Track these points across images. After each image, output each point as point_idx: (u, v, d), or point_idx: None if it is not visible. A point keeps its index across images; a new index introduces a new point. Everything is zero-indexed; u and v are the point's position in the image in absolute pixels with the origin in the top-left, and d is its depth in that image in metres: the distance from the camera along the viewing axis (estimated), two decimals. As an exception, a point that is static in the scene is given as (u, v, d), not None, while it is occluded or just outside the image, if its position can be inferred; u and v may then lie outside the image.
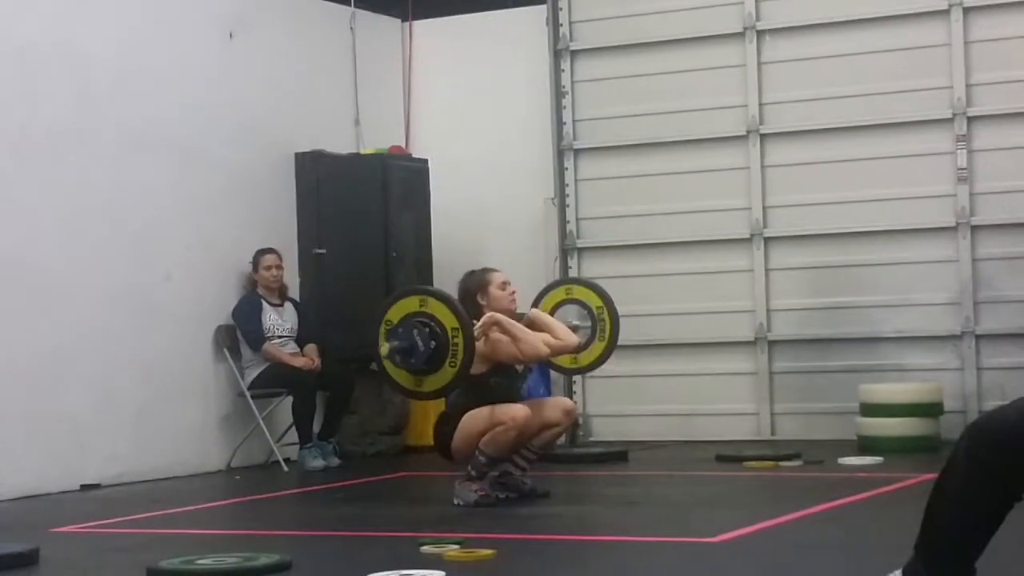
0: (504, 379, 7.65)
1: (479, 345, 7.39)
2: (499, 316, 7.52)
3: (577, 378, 11.23)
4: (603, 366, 9.05)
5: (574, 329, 8.19)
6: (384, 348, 7.29)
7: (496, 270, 7.82)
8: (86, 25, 9.23)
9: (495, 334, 7.51)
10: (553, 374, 11.12)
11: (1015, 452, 3.71)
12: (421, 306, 7.27)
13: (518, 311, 7.77)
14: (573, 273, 11.24)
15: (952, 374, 10.21)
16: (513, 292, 7.73)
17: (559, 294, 8.71)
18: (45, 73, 8.93)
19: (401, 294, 7.55)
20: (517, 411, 7.44)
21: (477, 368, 7.44)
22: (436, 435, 7.74)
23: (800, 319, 10.71)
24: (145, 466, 9.37)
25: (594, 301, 8.67)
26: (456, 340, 7.17)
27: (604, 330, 8.62)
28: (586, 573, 5.70)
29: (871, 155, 10.46)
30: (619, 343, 11.03)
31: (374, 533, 6.89)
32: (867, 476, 8.37)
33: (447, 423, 7.65)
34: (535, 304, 8.42)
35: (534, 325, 7.73)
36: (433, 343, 7.19)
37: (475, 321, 7.35)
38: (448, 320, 7.19)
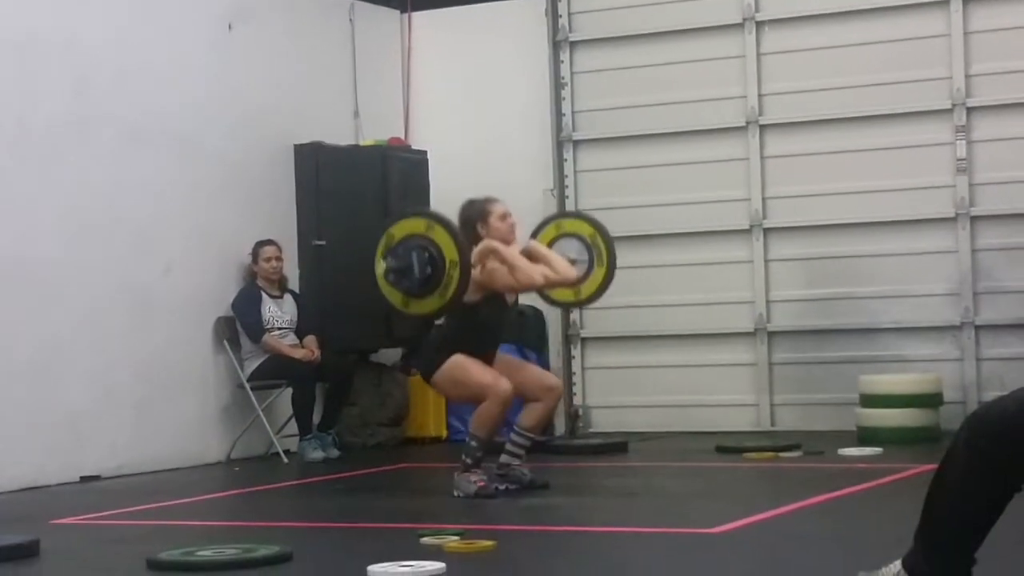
0: (494, 310, 7.65)
1: (475, 272, 7.42)
2: (497, 244, 7.53)
3: (577, 370, 11.24)
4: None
5: (572, 263, 8.18)
6: (380, 266, 7.29)
7: (497, 200, 7.78)
8: (84, 18, 9.22)
9: (492, 263, 7.52)
10: (552, 366, 11.15)
11: (1014, 443, 3.72)
12: (427, 230, 7.30)
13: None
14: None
15: (952, 365, 10.21)
16: (512, 224, 7.72)
17: (550, 231, 8.41)
18: (43, 67, 8.92)
19: (410, 214, 7.58)
20: (501, 387, 7.40)
21: (471, 296, 7.50)
22: (424, 358, 7.70)
23: (800, 310, 10.72)
24: (145, 458, 9.38)
25: (586, 230, 8.58)
26: (452, 273, 7.22)
27: (601, 256, 8.53)
28: (586, 564, 5.70)
29: (870, 146, 10.46)
30: (618, 334, 11.12)
31: (374, 524, 6.90)
32: (867, 467, 8.37)
33: (437, 350, 7.61)
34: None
35: (532, 257, 7.76)
36: (429, 269, 7.22)
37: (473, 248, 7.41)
38: (449, 251, 7.23)
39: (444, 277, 7.26)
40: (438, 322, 7.93)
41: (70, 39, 9.09)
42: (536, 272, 7.63)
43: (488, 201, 7.76)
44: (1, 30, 8.69)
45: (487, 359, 7.64)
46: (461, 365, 7.51)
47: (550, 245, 8.28)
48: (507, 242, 7.63)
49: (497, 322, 7.72)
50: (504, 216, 7.71)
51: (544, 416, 7.82)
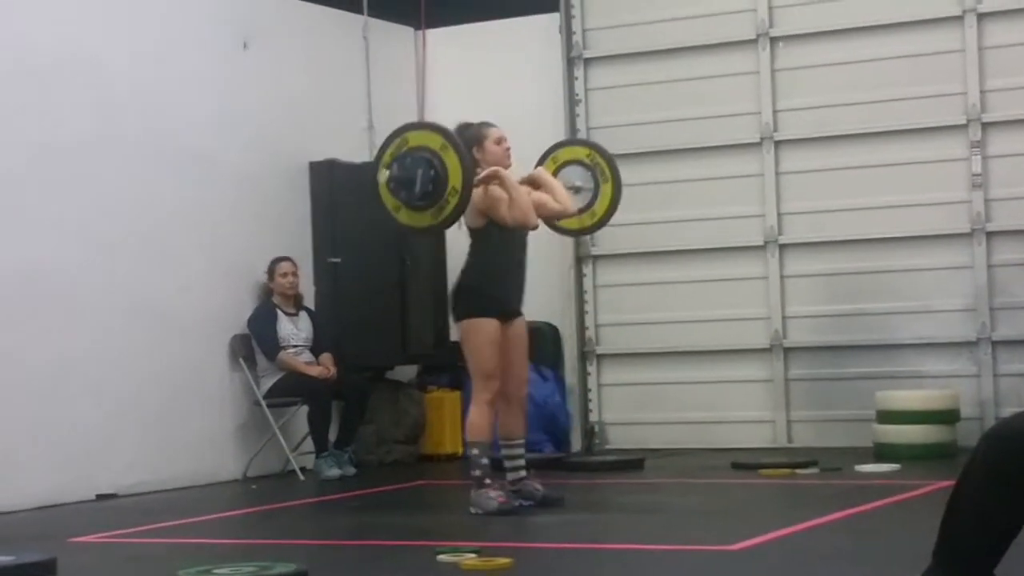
0: (504, 229, 7.63)
1: (478, 197, 7.43)
2: (504, 173, 7.53)
3: (593, 387, 11.22)
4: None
5: (576, 191, 8.19)
6: (383, 175, 7.31)
7: (493, 124, 7.77)
8: (103, 38, 9.25)
9: (495, 190, 7.52)
10: (568, 383, 11.15)
11: (1033, 459, 3.70)
12: (440, 149, 7.24)
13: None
14: (588, 283, 11.25)
15: (968, 380, 10.18)
16: (508, 148, 7.70)
17: (548, 167, 8.46)
18: (63, 86, 8.96)
19: (431, 127, 7.53)
20: (487, 391, 7.51)
21: (478, 221, 7.57)
22: (456, 297, 7.73)
23: (815, 326, 10.70)
24: (161, 475, 9.39)
25: (581, 152, 8.57)
26: (450, 199, 7.22)
27: (604, 172, 8.51)
28: (603, 581, 5.69)
29: (885, 162, 10.44)
30: (634, 351, 11.10)
31: (390, 542, 6.89)
32: (884, 483, 8.35)
33: (466, 291, 7.64)
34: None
35: (535, 184, 7.78)
36: (430, 187, 7.21)
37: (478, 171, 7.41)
38: (454, 177, 7.21)
39: (441, 200, 7.24)
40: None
41: (89, 59, 9.12)
42: (532, 211, 7.60)
43: (484, 125, 7.75)
44: (22, 51, 8.73)
45: (511, 290, 7.66)
46: (481, 333, 7.52)
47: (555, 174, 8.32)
48: (503, 167, 7.62)
49: (510, 241, 7.68)
50: (500, 140, 7.69)
51: (519, 419, 7.81)
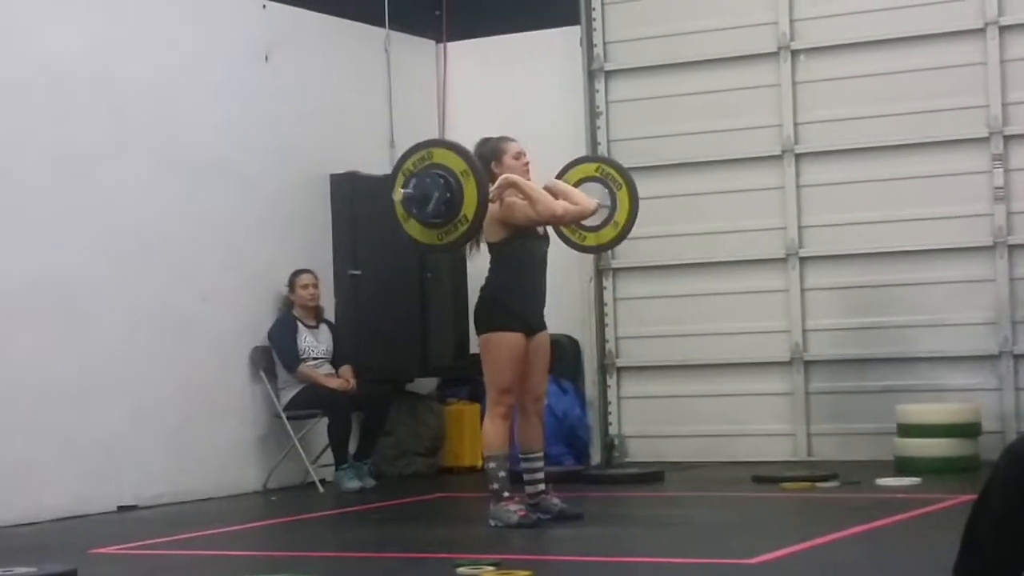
0: (527, 241, 7.64)
1: (495, 209, 7.42)
2: (515, 177, 7.52)
3: (613, 400, 11.21)
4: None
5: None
6: (398, 193, 7.31)
7: (512, 139, 7.77)
8: (122, 48, 9.29)
9: (510, 197, 7.51)
10: (588, 396, 11.14)
11: (1054, 474, 3.69)
12: (461, 175, 7.24)
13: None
14: (609, 295, 11.24)
15: (990, 394, 10.14)
16: (527, 163, 7.70)
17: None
18: (82, 96, 9.00)
19: (406, 155, 7.52)
20: (502, 405, 7.52)
21: (498, 235, 7.55)
22: (479, 310, 7.70)
23: (836, 339, 10.67)
24: (182, 487, 9.40)
25: (589, 170, 8.52)
26: (458, 226, 7.25)
27: (616, 180, 8.48)
28: (622, 595, 5.68)
29: (907, 175, 10.42)
30: (654, 363, 11.09)
31: (410, 555, 6.89)
32: (905, 497, 8.32)
33: (488, 304, 7.63)
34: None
35: (552, 194, 7.76)
36: (443, 208, 7.22)
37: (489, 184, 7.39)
38: (468, 207, 7.22)
39: (450, 224, 7.26)
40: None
41: (108, 68, 9.16)
42: (555, 203, 7.63)
43: (503, 139, 7.75)
44: (39, 59, 8.76)
45: (534, 303, 7.65)
46: (502, 346, 7.51)
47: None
48: None
49: (532, 255, 7.68)
50: (519, 155, 7.69)
51: (537, 432, 7.81)
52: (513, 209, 7.53)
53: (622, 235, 8.61)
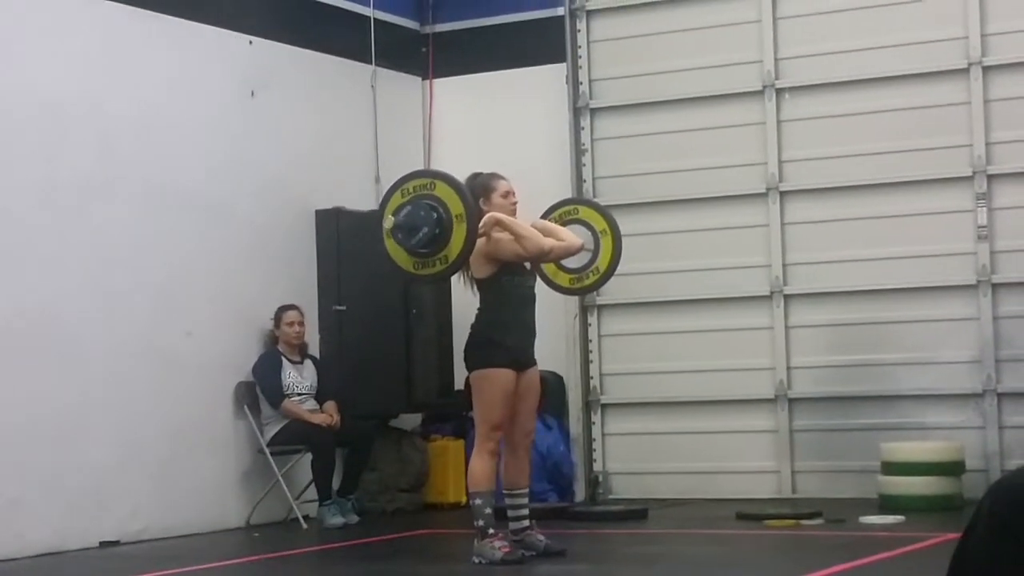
0: (514, 277, 7.66)
1: (482, 245, 7.43)
2: (500, 215, 7.55)
3: (597, 436, 11.20)
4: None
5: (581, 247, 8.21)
6: (388, 221, 7.29)
7: (503, 177, 7.80)
8: (110, 83, 9.30)
9: (497, 233, 7.52)
10: (572, 432, 11.13)
11: (1038, 512, 3.69)
12: (429, 189, 7.28)
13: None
14: (593, 332, 11.25)
15: (974, 432, 10.16)
16: (515, 203, 7.73)
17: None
18: (70, 130, 9.00)
19: (409, 177, 7.51)
20: (490, 443, 7.52)
21: (485, 271, 7.57)
22: (469, 347, 7.70)
23: (820, 377, 10.68)
24: (165, 523, 9.37)
25: (575, 213, 8.56)
26: (437, 264, 7.26)
27: (599, 221, 8.49)
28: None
29: (891, 213, 10.46)
30: (639, 400, 11.09)
31: (393, 591, 6.87)
32: (889, 535, 8.32)
33: (478, 343, 7.64)
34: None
35: (539, 231, 7.76)
36: (437, 227, 7.20)
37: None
38: (454, 247, 7.21)
39: (428, 260, 7.27)
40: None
41: (96, 104, 9.17)
42: (541, 238, 7.66)
43: (493, 177, 7.78)
44: (28, 97, 8.77)
45: (524, 338, 7.66)
46: (493, 384, 7.51)
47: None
48: None
49: (519, 289, 7.70)
50: (507, 194, 7.72)
51: (523, 469, 7.82)
52: (499, 245, 7.54)
53: (602, 281, 8.64)
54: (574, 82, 11.39)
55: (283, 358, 10.08)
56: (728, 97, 10.97)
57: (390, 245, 7.38)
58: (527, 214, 7.96)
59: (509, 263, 7.62)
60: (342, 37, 11.22)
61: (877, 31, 10.56)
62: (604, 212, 8.64)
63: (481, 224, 7.43)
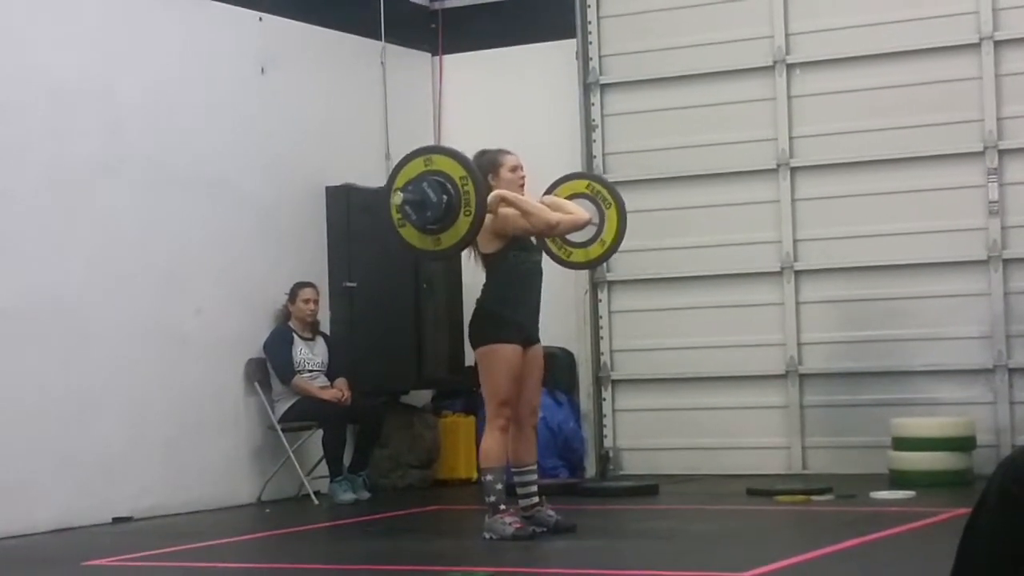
0: (521, 252, 7.66)
1: (489, 221, 7.40)
2: (506, 192, 7.53)
3: (608, 413, 11.21)
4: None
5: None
6: (397, 196, 7.25)
7: (509, 152, 7.77)
8: (119, 62, 9.30)
9: (504, 209, 7.51)
10: (582, 408, 11.14)
11: (1049, 488, 3.68)
12: (427, 165, 7.26)
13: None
14: (604, 308, 11.24)
15: (985, 408, 10.15)
16: (523, 177, 7.71)
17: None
18: (78, 110, 9.00)
19: (405, 160, 7.46)
20: (501, 417, 7.49)
21: (492, 246, 7.54)
22: (474, 325, 7.70)
23: (831, 352, 10.68)
24: (176, 499, 9.40)
25: (579, 187, 8.48)
26: (467, 188, 7.16)
27: (605, 199, 8.42)
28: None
29: (902, 188, 10.43)
30: (649, 376, 11.09)
31: (405, 567, 6.89)
32: (899, 511, 8.33)
33: (484, 318, 7.62)
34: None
35: (546, 207, 7.76)
36: (445, 196, 7.17)
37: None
38: (456, 171, 7.19)
39: (462, 196, 7.18)
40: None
41: (104, 83, 9.17)
42: (549, 212, 7.64)
43: (500, 152, 7.75)
44: (35, 75, 8.77)
45: (530, 313, 7.64)
46: (500, 359, 7.50)
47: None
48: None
49: (526, 264, 7.69)
50: (515, 168, 7.70)
51: (530, 446, 7.80)
52: (506, 220, 7.53)
53: (608, 253, 8.57)
54: (584, 58, 11.37)
55: (294, 335, 10.09)
56: (738, 73, 10.95)
57: (406, 231, 7.35)
58: (536, 190, 7.95)
59: (517, 238, 7.62)
60: (352, 13, 11.21)
61: (888, 6, 10.52)
62: (608, 185, 8.60)
63: (488, 200, 7.41)
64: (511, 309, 7.58)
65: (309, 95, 10.75)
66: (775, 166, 10.80)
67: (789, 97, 10.79)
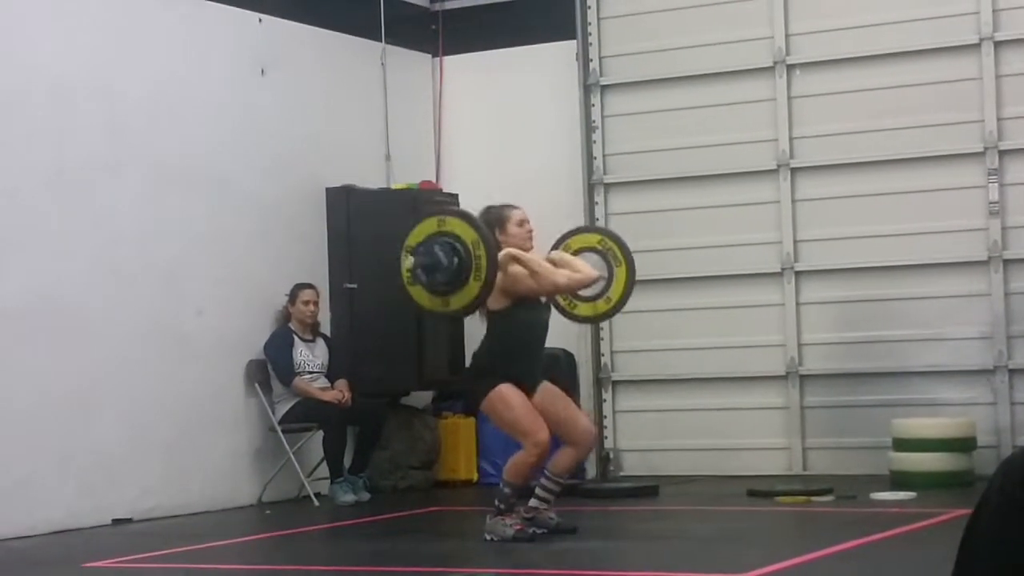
0: (528, 311, 7.64)
1: (500, 279, 7.40)
2: (516, 251, 7.53)
3: (608, 414, 11.21)
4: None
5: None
6: (408, 261, 7.28)
7: (516, 207, 7.78)
8: (119, 62, 9.30)
9: (514, 268, 7.51)
10: (583, 406, 11.12)
11: (1050, 489, 3.68)
12: (440, 227, 7.30)
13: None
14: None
15: (985, 409, 10.15)
16: (530, 231, 7.71)
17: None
18: (78, 110, 9.00)
19: (420, 218, 7.51)
20: (539, 438, 7.37)
21: (500, 303, 7.52)
22: (469, 385, 7.67)
23: (831, 353, 10.67)
24: (177, 500, 9.40)
25: (592, 240, 8.49)
26: (479, 253, 7.19)
27: (616, 256, 8.41)
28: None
29: (902, 189, 10.43)
30: (649, 378, 11.08)
31: (405, 568, 6.89)
32: (900, 511, 8.33)
33: (482, 375, 7.57)
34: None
35: (554, 264, 7.76)
36: (456, 259, 7.19)
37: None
38: (468, 235, 7.22)
39: (472, 259, 7.22)
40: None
41: (104, 83, 9.17)
42: (556, 274, 7.64)
43: (506, 207, 7.76)
44: (37, 74, 8.77)
45: (532, 368, 7.60)
46: (505, 400, 7.45)
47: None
48: (525, 249, 7.63)
49: (534, 323, 7.69)
50: (522, 222, 7.70)
51: (577, 461, 7.82)
52: (516, 280, 7.52)
53: (614, 311, 8.54)
54: (584, 59, 11.36)
55: (295, 336, 10.09)
56: (739, 73, 10.94)
57: (408, 280, 7.37)
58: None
59: (524, 296, 7.61)
60: (352, 15, 11.21)
61: (888, 6, 10.52)
62: (621, 243, 8.48)
63: (499, 260, 7.41)
64: (512, 364, 7.52)
65: (309, 96, 10.75)
66: (775, 167, 10.80)
67: (789, 98, 10.79)
